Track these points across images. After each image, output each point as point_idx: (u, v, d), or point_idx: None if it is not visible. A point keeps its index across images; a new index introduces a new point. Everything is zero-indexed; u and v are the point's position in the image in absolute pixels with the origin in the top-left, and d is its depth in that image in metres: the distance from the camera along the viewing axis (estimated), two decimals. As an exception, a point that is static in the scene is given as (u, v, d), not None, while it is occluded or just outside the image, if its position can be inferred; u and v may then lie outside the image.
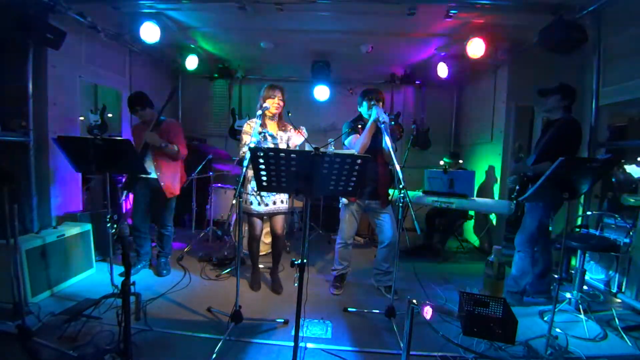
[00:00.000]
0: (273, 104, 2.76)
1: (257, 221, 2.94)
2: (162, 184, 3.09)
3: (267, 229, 3.48)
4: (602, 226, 3.07)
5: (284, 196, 2.93)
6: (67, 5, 3.06)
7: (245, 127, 2.83)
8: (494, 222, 4.35)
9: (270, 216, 2.95)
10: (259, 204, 2.83)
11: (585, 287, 2.92)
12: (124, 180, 3.24)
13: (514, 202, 3.25)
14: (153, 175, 3.06)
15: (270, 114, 2.81)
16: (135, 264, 3.24)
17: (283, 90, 2.84)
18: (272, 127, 2.87)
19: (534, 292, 2.88)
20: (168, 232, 3.31)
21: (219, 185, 4.49)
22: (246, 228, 3.07)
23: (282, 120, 2.92)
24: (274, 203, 2.88)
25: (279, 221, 2.95)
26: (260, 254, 3.79)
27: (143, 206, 3.20)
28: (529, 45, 3.66)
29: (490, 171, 4.52)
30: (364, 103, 2.83)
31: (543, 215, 2.73)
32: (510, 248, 3.14)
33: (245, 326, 2.34)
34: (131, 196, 3.64)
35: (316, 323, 2.49)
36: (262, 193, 2.81)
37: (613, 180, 3.05)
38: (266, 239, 3.76)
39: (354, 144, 2.79)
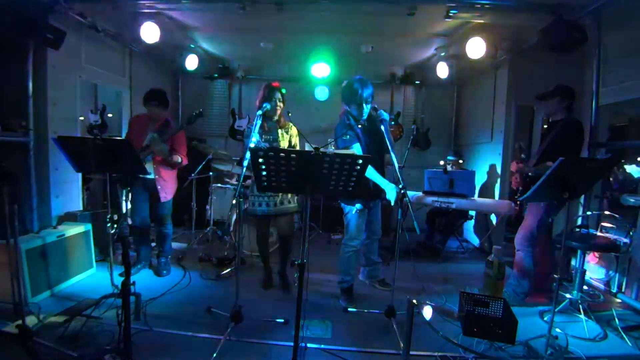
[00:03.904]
0: (274, 107, 2.74)
1: (263, 222, 2.93)
2: (158, 187, 3.09)
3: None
4: (602, 226, 3.07)
5: (290, 195, 2.90)
6: (67, 5, 3.07)
7: (246, 131, 2.83)
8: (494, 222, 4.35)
9: (275, 217, 2.91)
10: (260, 205, 2.83)
11: (585, 287, 2.92)
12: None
13: (518, 202, 3.24)
14: (152, 176, 3.06)
15: (270, 115, 2.79)
16: (135, 264, 3.24)
17: (281, 90, 2.80)
18: (271, 124, 2.85)
19: (535, 292, 2.88)
20: (167, 230, 3.31)
21: (219, 185, 4.50)
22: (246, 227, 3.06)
23: (283, 119, 2.90)
24: (282, 203, 2.85)
25: (284, 222, 2.91)
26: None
27: (142, 205, 3.20)
28: (529, 45, 3.66)
29: (490, 171, 4.52)
30: (366, 106, 2.58)
31: (544, 215, 2.73)
32: (511, 248, 3.14)
33: (245, 326, 2.33)
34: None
35: (316, 323, 2.48)
36: (266, 193, 2.79)
37: (611, 179, 3.06)
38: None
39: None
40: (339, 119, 2.77)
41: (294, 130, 2.90)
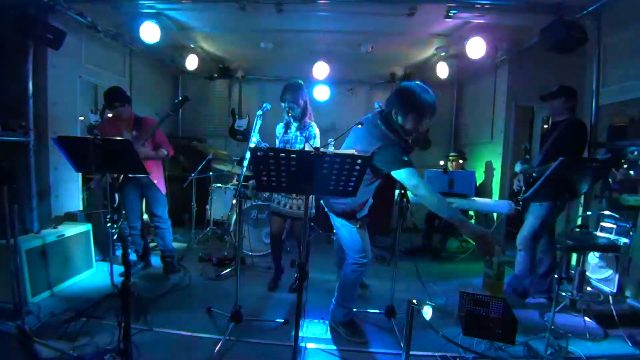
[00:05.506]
0: (285, 108, 2.77)
1: (277, 219, 2.96)
2: (155, 181, 3.10)
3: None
4: (602, 226, 3.06)
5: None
6: (67, 5, 3.07)
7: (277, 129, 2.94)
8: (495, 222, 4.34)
9: (292, 219, 2.99)
10: (284, 204, 2.86)
11: (589, 289, 2.92)
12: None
13: (520, 202, 3.23)
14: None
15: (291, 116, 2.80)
16: (134, 264, 3.24)
17: (294, 90, 2.77)
18: (293, 126, 2.87)
19: (535, 291, 2.88)
20: (165, 225, 3.28)
21: (219, 185, 4.50)
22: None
23: (306, 120, 2.86)
24: (300, 208, 2.84)
25: (297, 226, 3.05)
26: (260, 253, 3.81)
27: (136, 206, 3.19)
28: (529, 45, 3.66)
29: (490, 171, 4.51)
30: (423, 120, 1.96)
31: (546, 215, 2.72)
32: (510, 248, 3.15)
33: (245, 326, 2.33)
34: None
35: (316, 323, 2.49)
36: (287, 195, 2.83)
37: (610, 180, 3.06)
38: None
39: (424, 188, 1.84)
40: (383, 136, 1.96)
41: (314, 132, 2.84)
